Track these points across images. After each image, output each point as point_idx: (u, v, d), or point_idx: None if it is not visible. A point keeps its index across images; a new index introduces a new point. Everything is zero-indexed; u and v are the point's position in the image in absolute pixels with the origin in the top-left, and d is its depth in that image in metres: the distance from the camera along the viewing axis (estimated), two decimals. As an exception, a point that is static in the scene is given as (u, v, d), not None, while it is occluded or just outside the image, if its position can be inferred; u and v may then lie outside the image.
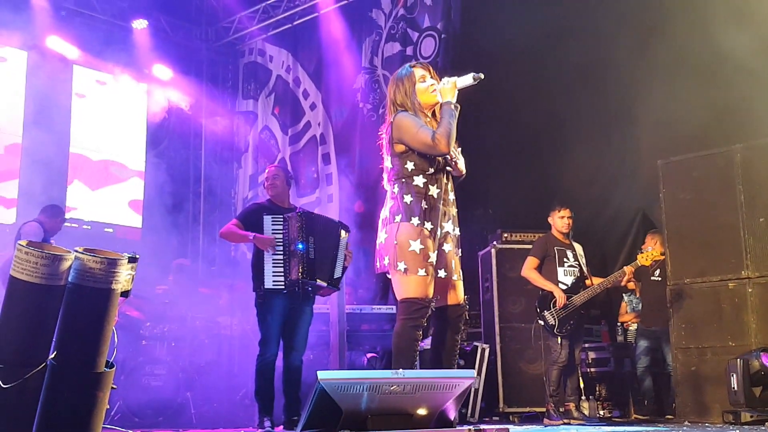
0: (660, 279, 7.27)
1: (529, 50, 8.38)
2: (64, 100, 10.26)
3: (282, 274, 5.60)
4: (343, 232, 5.80)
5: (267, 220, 5.71)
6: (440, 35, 9.35)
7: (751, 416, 5.90)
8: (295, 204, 6.14)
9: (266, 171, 6.15)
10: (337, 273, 5.75)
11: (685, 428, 6.05)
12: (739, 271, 6.44)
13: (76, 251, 2.69)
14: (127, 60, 10.56)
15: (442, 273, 4.08)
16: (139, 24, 10.62)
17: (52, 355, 2.71)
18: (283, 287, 5.58)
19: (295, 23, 11.05)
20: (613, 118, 8.43)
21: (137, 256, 2.77)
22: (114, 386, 2.79)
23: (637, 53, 8.10)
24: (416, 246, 3.97)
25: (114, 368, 2.77)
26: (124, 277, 2.72)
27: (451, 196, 4.21)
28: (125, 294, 2.79)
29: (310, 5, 10.73)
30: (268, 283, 5.59)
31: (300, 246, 5.57)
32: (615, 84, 8.16)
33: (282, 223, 5.69)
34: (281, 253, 5.64)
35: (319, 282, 5.63)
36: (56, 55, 9.97)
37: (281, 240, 5.65)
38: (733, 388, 6.03)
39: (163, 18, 11.13)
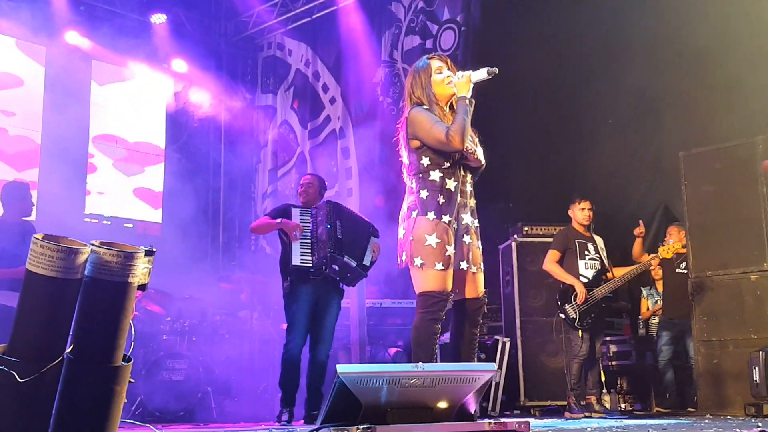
0: (685, 271, 7.21)
1: (549, 42, 8.33)
2: (83, 95, 10.31)
3: (310, 254, 5.65)
4: (372, 236, 5.89)
5: (295, 212, 5.86)
6: (460, 28, 9.30)
7: (774, 409, 5.85)
8: None
9: (302, 178, 6.31)
10: (367, 260, 5.78)
11: (707, 421, 5.99)
12: (762, 264, 6.38)
13: (93, 244, 2.69)
14: (146, 54, 10.61)
15: (464, 265, 4.09)
16: (158, 18, 10.65)
17: (69, 349, 2.72)
18: (310, 265, 5.62)
19: (314, 17, 11.03)
20: (635, 110, 8.36)
21: (154, 249, 2.77)
22: (132, 380, 2.79)
23: (659, 44, 8.01)
24: (432, 240, 3.97)
25: (131, 362, 2.78)
26: (140, 270, 2.72)
27: (469, 187, 4.20)
28: (142, 287, 2.79)
29: (329, -1, 10.71)
30: (296, 260, 5.65)
31: (328, 226, 5.62)
32: (637, 75, 8.08)
33: (310, 215, 5.77)
34: (308, 239, 5.71)
35: (346, 259, 5.65)
36: (75, 50, 10.01)
37: (309, 228, 5.71)
38: (756, 380, 5.99)
39: (182, 12, 11.15)
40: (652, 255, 6.94)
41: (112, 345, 2.67)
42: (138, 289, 2.77)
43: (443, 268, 3.96)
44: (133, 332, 2.76)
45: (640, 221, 7.07)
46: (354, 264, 5.68)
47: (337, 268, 5.65)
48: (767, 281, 6.36)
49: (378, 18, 10.35)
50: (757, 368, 6.00)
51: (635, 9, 7.87)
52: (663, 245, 6.94)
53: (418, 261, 3.98)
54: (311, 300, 5.73)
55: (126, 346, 2.76)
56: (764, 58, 7.16)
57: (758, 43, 7.18)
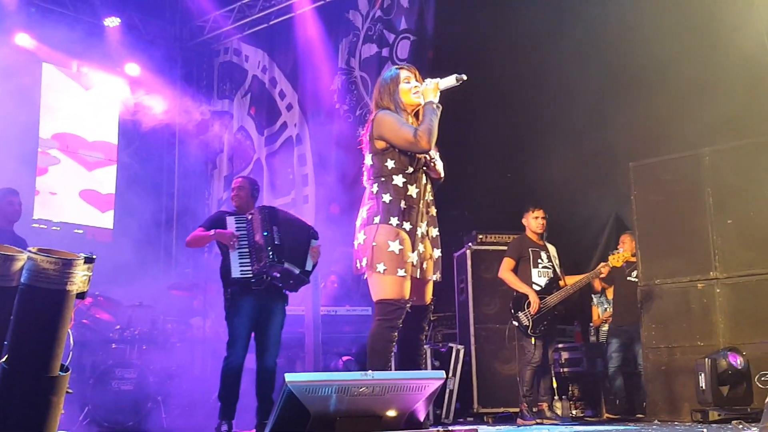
0: (635, 279, 7.31)
1: (503, 52, 8.39)
2: (33, 98, 10.13)
3: (249, 264, 5.56)
4: (312, 239, 5.79)
5: (230, 220, 5.69)
6: (413, 36, 9.34)
7: (719, 415, 5.96)
8: None
9: (233, 181, 6.17)
10: (308, 266, 5.71)
11: (654, 427, 6.08)
12: (708, 272, 6.49)
13: (29, 251, 2.64)
14: (99, 58, 10.47)
15: (419, 273, 4.09)
16: (111, 22, 10.53)
17: (4, 359, 2.66)
18: (250, 275, 5.52)
19: (271, 23, 11.01)
20: (588, 121, 8.46)
21: (94, 257, 2.72)
22: (69, 390, 2.74)
23: (612, 56, 8.12)
24: (395, 246, 3.97)
25: (69, 372, 2.73)
26: (79, 278, 2.67)
27: (430, 196, 4.22)
28: (81, 295, 2.73)
29: (286, 5, 10.70)
30: (236, 273, 5.53)
31: (265, 233, 5.54)
32: (590, 86, 8.17)
33: (245, 222, 5.67)
34: (246, 247, 5.60)
35: (287, 266, 5.55)
36: (25, 52, 9.83)
37: (245, 235, 5.61)
38: (702, 387, 6.08)
39: (136, 16, 11.04)
40: (602, 263, 7.03)
41: (49, 354, 2.62)
42: (77, 297, 2.72)
43: (404, 274, 3.97)
44: (71, 341, 2.71)
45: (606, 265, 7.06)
46: (297, 271, 5.63)
47: (278, 275, 5.57)
48: (713, 289, 6.47)
49: (335, 26, 10.36)
50: (703, 375, 6.09)
51: (590, 21, 7.94)
52: (613, 254, 7.04)
53: (380, 267, 3.96)
54: (253, 311, 5.63)
55: (64, 356, 2.71)
56: (713, 71, 7.30)
57: (709, 56, 7.31)
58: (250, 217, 5.69)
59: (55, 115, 10.47)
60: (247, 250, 5.60)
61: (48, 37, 9.91)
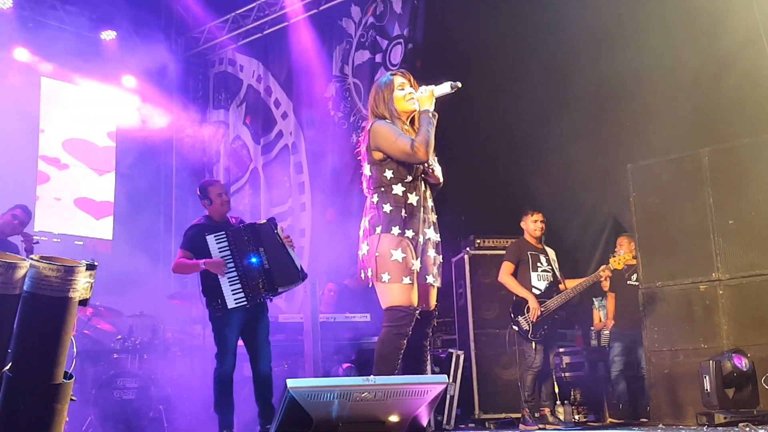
0: (636, 282, 7.29)
1: (497, 55, 8.39)
2: (32, 112, 10.13)
3: (242, 290, 5.52)
4: (278, 228, 5.73)
5: (210, 240, 5.59)
6: (407, 44, 9.36)
7: (725, 417, 5.89)
8: (233, 216, 6.09)
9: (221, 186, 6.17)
10: (298, 262, 5.68)
11: (659, 431, 6.07)
12: (710, 274, 6.46)
13: (32, 259, 2.63)
14: (96, 71, 10.47)
15: (429, 279, 4.14)
16: (108, 35, 10.57)
17: (8, 367, 2.64)
18: (246, 303, 5.51)
19: (265, 33, 11.03)
20: (584, 122, 8.46)
21: (96, 264, 2.70)
22: (73, 398, 2.72)
23: (606, 56, 8.13)
24: (398, 255, 3.99)
25: (73, 379, 2.71)
26: (82, 285, 2.65)
27: (430, 202, 4.24)
28: (84, 302, 2.72)
29: (279, 15, 10.73)
30: (231, 303, 5.48)
31: (254, 260, 5.50)
32: (586, 87, 8.18)
33: (225, 239, 5.60)
34: (233, 270, 5.56)
35: (280, 290, 5.60)
36: (23, 67, 9.85)
37: (229, 256, 5.56)
38: (706, 390, 6.05)
39: (132, 29, 11.05)
40: (603, 266, 7.01)
41: (52, 362, 2.60)
42: (80, 304, 2.70)
43: (410, 282, 3.98)
44: (74, 349, 2.69)
45: (607, 268, 7.05)
46: (288, 288, 5.65)
47: (272, 299, 5.64)
48: (716, 291, 6.43)
49: (329, 33, 10.37)
50: (707, 377, 6.06)
51: (582, 22, 7.95)
52: (614, 256, 7.02)
53: (385, 276, 3.98)
54: (241, 321, 5.64)
55: (68, 363, 2.69)
56: (709, 71, 7.30)
57: (704, 56, 7.31)
58: (230, 233, 5.62)
59: (54, 128, 10.47)
60: (235, 274, 5.54)
61: (46, 51, 9.92)
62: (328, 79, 10.25)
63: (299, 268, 5.65)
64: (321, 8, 10.35)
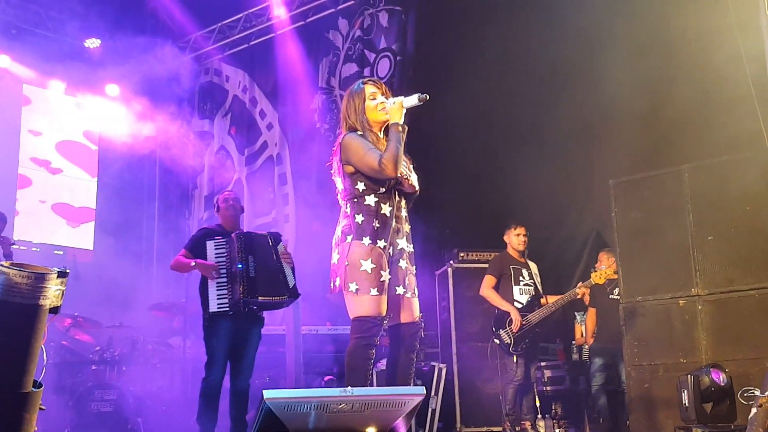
0: (618, 297, 7.31)
1: (483, 70, 8.44)
2: (13, 119, 10.08)
3: (225, 296, 5.58)
4: (280, 244, 5.77)
5: (209, 245, 5.73)
6: (395, 57, 9.38)
7: (702, 432, 5.93)
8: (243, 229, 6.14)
9: (227, 193, 6.22)
10: (291, 281, 5.71)
11: (638, 446, 6.08)
12: (689, 289, 6.48)
13: (2, 265, 2.60)
14: (80, 79, 10.43)
15: (400, 290, 4.09)
16: (92, 43, 10.55)
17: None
18: (227, 309, 5.55)
19: (252, 43, 11.05)
20: (568, 138, 8.50)
21: (68, 271, 2.68)
22: (42, 407, 2.68)
23: (593, 75, 8.18)
24: (368, 265, 3.96)
25: (42, 388, 2.67)
26: (53, 292, 2.62)
27: (404, 212, 4.20)
28: (55, 310, 2.69)
29: (266, 26, 10.74)
30: (213, 307, 5.60)
31: (239, 266, 5.55)
32: (570, 104, 8.23)
33: (224, 246, 5.66)
34: (225, 276, 5.63)
35: (261, 300, 5.59)
36: (5, 73, 9.80)
37: (224, 263, 5.63)
38: (685, 404, 6.05)
39: (117, 37, 11.01)
40: (579, 283, 7.04)
41: (21, 370, 2.57)
42: (51, 311, 2.67)
43: (378, 293, 3.95)
44: (45, 357, 2.66)
45: (582, 286, 7.10)
46: (272, 299, 5.63)
47: (255, 307, 5.64)
48: (695, 306, 6.45)
49: (315, 46, 10.39)
50: (686, 392, 6.06)
51: (569, 41, 8.01)
52: (595, 271, 7.05)
53: (353, 286, 3.95)
54: (231, 333, 5.65)
55: (37, 372, 2.66)
56: (690, 89, 7.35)
57: (685, 75, 7.38)
58: (229, 241, 5.68)
59: (36, 136, 10.41)
60: (225, 279, 5.64)
61: (29, 59, 9.88)
62: (314, 91, 10.26)
63: (289, 285, 5.67)
64: (308, 20, 10.37)
